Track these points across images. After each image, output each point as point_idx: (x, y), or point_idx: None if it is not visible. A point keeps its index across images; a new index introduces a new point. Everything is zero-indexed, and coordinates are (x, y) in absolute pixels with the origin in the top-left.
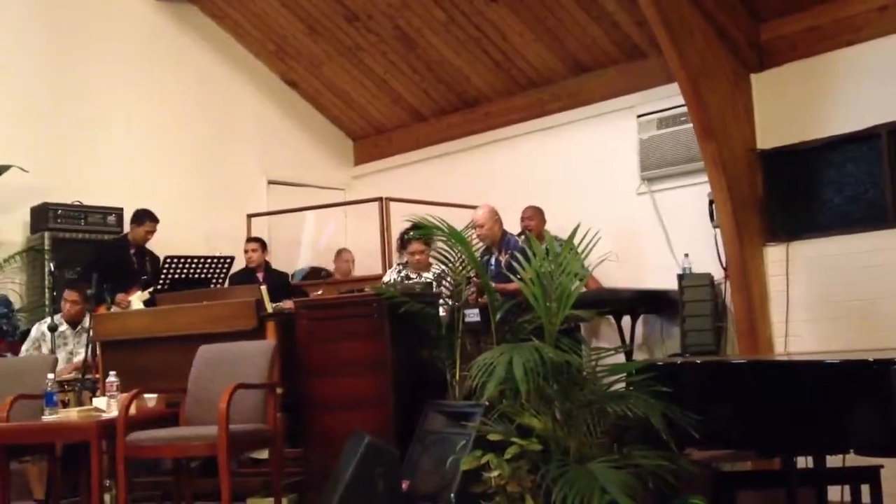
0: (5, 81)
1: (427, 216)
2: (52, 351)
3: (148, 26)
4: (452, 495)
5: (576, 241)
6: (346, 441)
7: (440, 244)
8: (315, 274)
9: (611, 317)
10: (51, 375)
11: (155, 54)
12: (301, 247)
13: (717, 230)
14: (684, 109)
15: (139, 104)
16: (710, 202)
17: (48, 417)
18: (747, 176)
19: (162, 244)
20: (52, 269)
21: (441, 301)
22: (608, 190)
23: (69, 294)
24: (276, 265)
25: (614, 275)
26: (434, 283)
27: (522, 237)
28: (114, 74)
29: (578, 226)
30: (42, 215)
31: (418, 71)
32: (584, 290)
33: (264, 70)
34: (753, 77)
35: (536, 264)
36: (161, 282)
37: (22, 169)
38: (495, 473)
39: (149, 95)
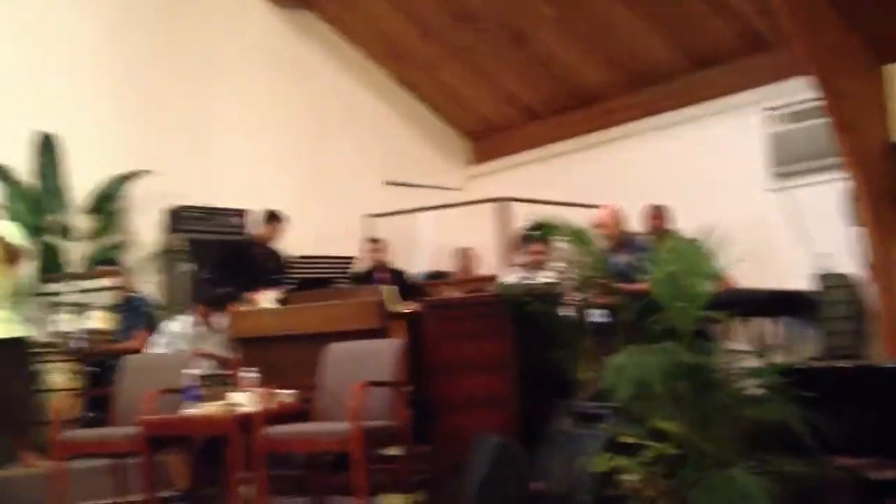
0: (142, 95)
1: (546, 216)
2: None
3: (268, 34)
4: (586, 498)
5: (707, 239)
6: (472, 440)
7: (562, 244)
8: (435, 278)
9: (744, 318)
10: (189, 371)
11: (275, 60)
12: (417, 247)
13: (854, 228)
14: (816, 103)
15: (261, 109)
16: (847, 198)
17: (188, 411)
18: (886, 170)
19: (281, 244)
20: (187, 268)
21: (565, 301)
22: (734, 187)
23: (199, 308)
24: (393, 265)
25: (744, 274)
26: (556, 284)
27: (648, 236)
28: (237, 81)
29: (709, 225)
30: (175, 218)
31: (531, 69)
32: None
33: (379, 72)
34: (885, 69)
35: (666, 264)
36: (290, 281)
37: (157, 173)
38: (629, 477)
39: (269, 100)
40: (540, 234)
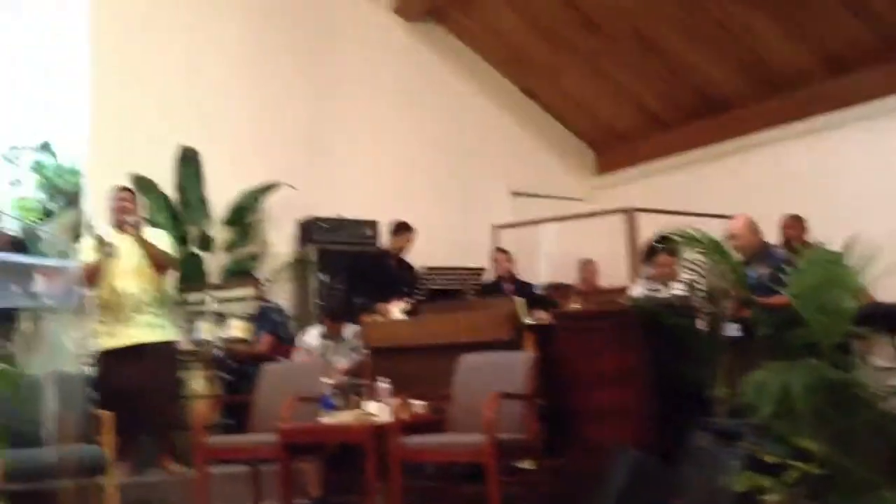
0: (277, 109)
1: (675, 227)
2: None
3: (396, 47)
4: None
5: (850, 251)
6: (605, 453)
7: (693, 255)
8: (556, 289)
9: (889, 334)
10: (325, 380)
11: (403, 73)
12: (537, 257)
13: None
14: None
15: (390, 121)
16: None
17: (325, 419)
18: None
19: (410, 255)
20: (321, 279)
21: (698, 314)
22: (876, 197)
23: (329, 319)
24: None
25: (886, 288)
26: (688, 296)
27: (785, 248)
28: (367, 94)
29: (851, 236)
30: (308, 229)
31: (660, 76)
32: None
33: (504, 82)
34: None
35: (807, 277)
36: (420, 292)
37: (290, 186)
38: (771, 497)
39: (398, 112)
40: (669, 245)
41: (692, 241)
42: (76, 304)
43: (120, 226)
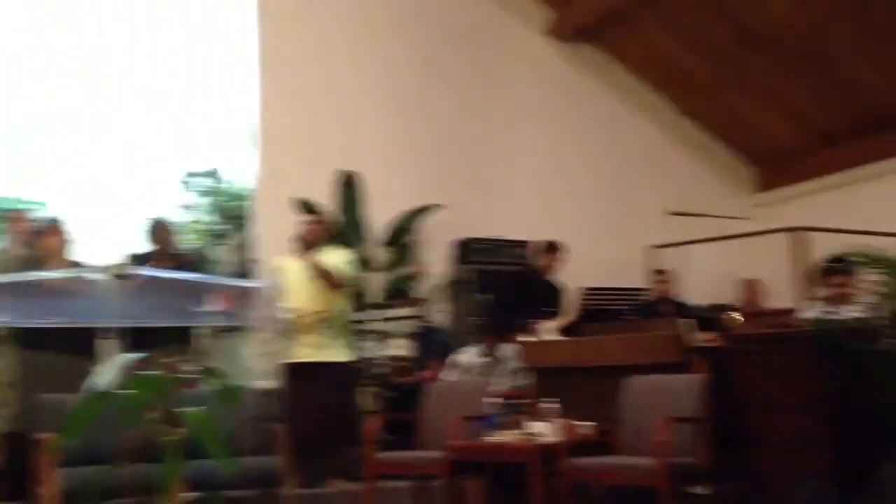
0: (433, 132)
1: (846, 246)
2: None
3: (549, 68)
4: None
5: None
6: (782, 481)
7: (872, 276)
8: (716, 310)
9: None
10: (489, 399)
11: (556, 93)
12: (697, 277)
13: None
14: None
15: (542, 142)
16: None
17: (490, 438)
18: None
19: (564, 275)
20: (475, 299)
21: (880, 337)
22: None
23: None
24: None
25: None
26: (868, 319)
27: None
28: (520, 116)
29: None
30: (463, 249)
31: (827, 90)
32: None
33: (660, 101)
34: None
35: None
36: (575, 312)
37: (446, 207)
38: None
39: (553, 133)
40: (845, 265)
41: (874, 261)
42: (254, 323)
43: (302, 249)
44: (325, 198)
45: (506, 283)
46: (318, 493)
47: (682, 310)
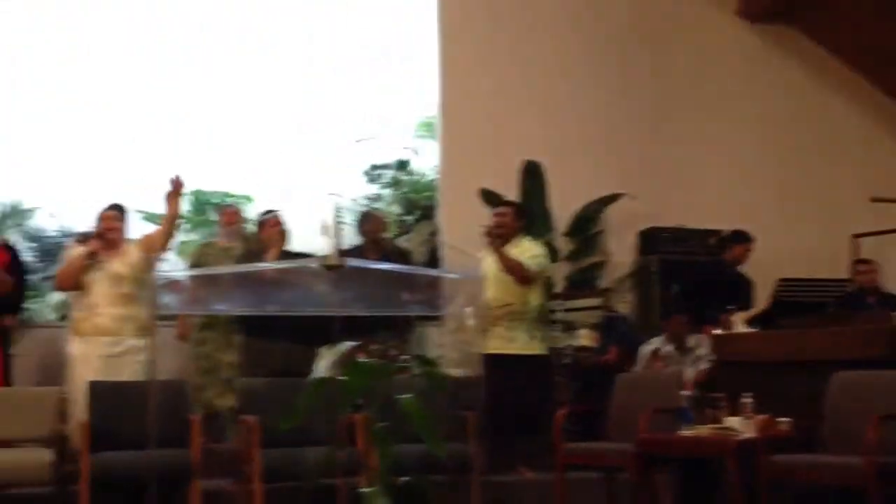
0: (615, 118)
1: None
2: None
3: (743, 50)
4: None
5: None
6: None
7: None
8: None
9: None
10: (683, 392)
11: (749, 77)
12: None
13: None
14: None
15: (733, 127)
16: None
17: (684, 432)
18: None
19: (754, 265)
20: (666, 290)
21: None
22: None
23: (671, 329)
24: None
25: None
26: None
27: None
28: (709, 100)
29: None
30: (648, 239)
31: None
32: None
33: (860, 82)
34: None
35: None
36: (771, 304)
37: (631, 196)
38: None
39: (742, 118)
40: None
41: None
42: (451, 313)
43: (493, 241)
44: (509, 188)
45: (693, 273)
46: (506, 482)
47: (889, 301)
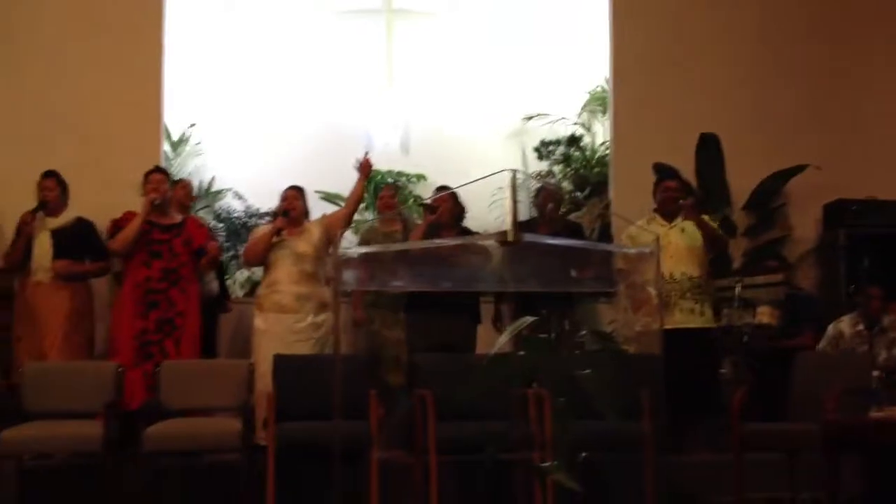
0: (796, 85)
1: None
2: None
3: None
4: None
5: None
6: None
7: None
8: None
9: None
10: (875, 373)
11: None
12: None
13: None
14: None
15: None
16: None
17: (875, 414)
18: None
19: None
20: (854, 266)
21: None
22: None
23: (874, 291)
24: None
25: None
26: None
27: None
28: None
29: None
30: (836, 212)
31: None
32: None
33: None
34: None
35: None
36: None
37: (814, 168)
38: None
39: None
40: None
41: None
42: (625, 289)
43: (668, 213)
44: (684, 161)
45: (885, 247)
46: (682, 461)
47: None
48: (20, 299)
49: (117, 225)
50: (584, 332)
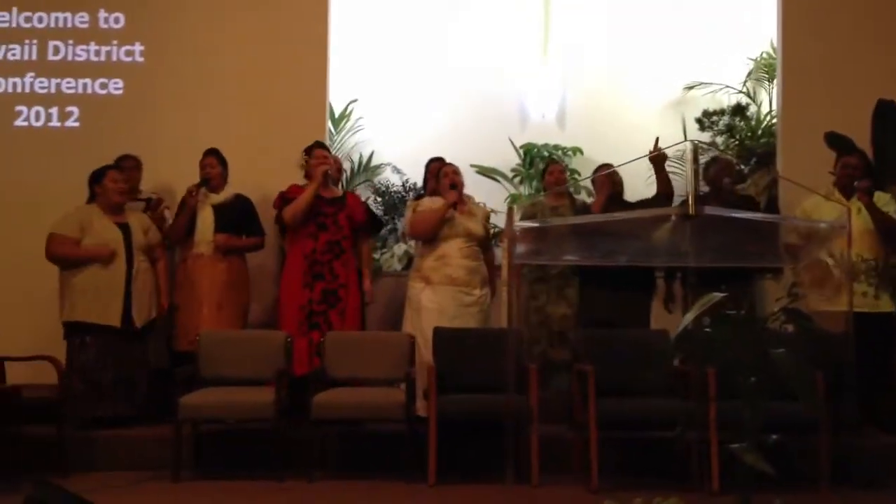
0: None
1: None
2: None
3: None
4: None
5: None
6: None
7: None
8: None
9: None
10: None
11: None
12: None
13: None
14: None
15: None
16: None
17: None
18: None
19: None
20: None
21: None
22: None
23: None
24: None
25: None
26: None
27: None
28: None
29: None
30: None
31: None
32: None
33: None
34: None
35: None
36: None
37: None
38: None
39: None
40: None
41: None
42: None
43: (846, 190)
44: (858, 131)
45: None
46: (853, 443)
47: None
48: (180, 270)
49: (285, 197)
50: (777, 310)
